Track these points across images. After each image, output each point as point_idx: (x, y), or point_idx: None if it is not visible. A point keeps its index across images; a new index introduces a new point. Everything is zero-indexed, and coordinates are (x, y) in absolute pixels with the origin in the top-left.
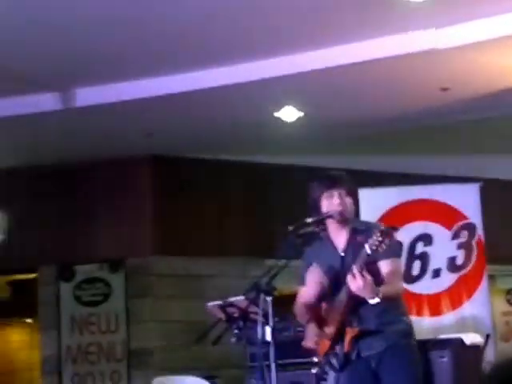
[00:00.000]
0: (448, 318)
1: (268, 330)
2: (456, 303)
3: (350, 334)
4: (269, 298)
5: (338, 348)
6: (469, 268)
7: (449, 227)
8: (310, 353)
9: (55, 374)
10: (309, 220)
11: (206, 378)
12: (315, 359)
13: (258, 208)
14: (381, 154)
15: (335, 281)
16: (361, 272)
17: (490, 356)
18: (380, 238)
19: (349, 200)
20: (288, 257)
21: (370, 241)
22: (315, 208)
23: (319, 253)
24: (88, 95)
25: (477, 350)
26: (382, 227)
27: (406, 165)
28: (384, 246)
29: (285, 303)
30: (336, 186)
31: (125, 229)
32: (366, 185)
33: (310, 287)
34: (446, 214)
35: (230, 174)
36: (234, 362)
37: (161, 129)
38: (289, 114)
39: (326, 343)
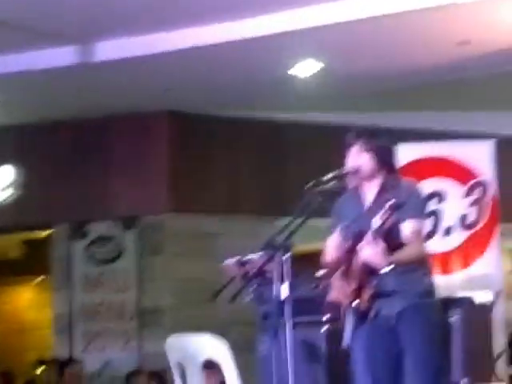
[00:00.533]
0: (458, 276)
1: (284, 287)
2: (467, 261)
3: (367, 292)
4: (286, 255)
5: (355, 304)
6: (480, 226)
7: (462, 184)
8: (323, 312)
9: (66, 332)
10: (326, 177)
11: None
12: (325, 318)
13: (271, 166)
14: (396, 111)
15: (360, 237)
16: (374, 239)
17: (499, 314)
18: (389, 212)
19: (366, 155)
20: (306, 215)
21: (380, 213)
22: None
23: (345, 208)
24: (106, 49)
25: (486, 308)
26: (392, 201)
27: (422, 121)
28: (390, 221)
29: (301, 261)
30: (353, 142)
31: (138, 187)
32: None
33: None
34: (459, 171)
35: (244, 131)
36: (245, 321)
37: (178, 84)
38: (307, 67)
39: (346, 299)
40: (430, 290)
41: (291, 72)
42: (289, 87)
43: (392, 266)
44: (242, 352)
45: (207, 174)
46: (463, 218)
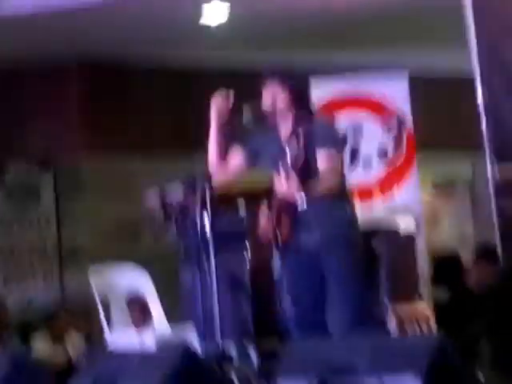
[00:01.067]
0: (379, 206)
1: (206, 220)
2: (386, 190)
3: (286, 225)
4: (208, 188)
5: (277, 238)
6: (399, 158)
7: (379, 118)
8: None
9: None
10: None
11: None
12: (248, 247)
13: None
14: (309, 49)
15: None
16: (287, 173)
17: (421, 242)
18: (297, 143)
19: (281, 94)
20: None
21: (291, 146)
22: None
23: (263, 145)
24: (15, 1)
25: (410, 237)
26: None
27: (336, 57)
28: (301, 153)
29: (223, 196)
30: (267, 82)
31: (53, 128)
32: None
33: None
34: (375, 106)
35: (155, 80)
36: (168, 255)
37: (86, 34)
38: (216, 12)
39: (270, 229)
40: (351, 220)
41: (201, 20)
42: (199, 34)
43: (306, 198)
44: (167, 285)
45: (121, 113)
46: (382, 150)
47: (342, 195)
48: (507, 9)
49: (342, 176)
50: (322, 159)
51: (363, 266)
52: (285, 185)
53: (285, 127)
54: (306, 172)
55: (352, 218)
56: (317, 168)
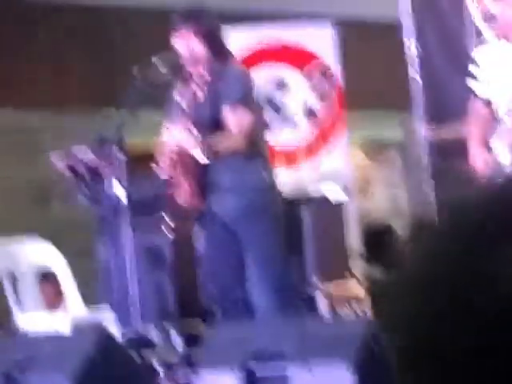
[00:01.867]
0: (305, 170)
1: (118, 186)
2: (313, 154)
3: (189, 186)
4: (119, 150)
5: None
6: (326, 116)
7: (303, 71)
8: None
9: None
10: (154, 63)
11: None
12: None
13: (96, 54)
14: None
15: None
16: (184, 123)
17: (351, 212)
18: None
19: (195, 39)
20: (135, 106)
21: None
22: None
23: (178, 97)
24: None
25: (338, 205)
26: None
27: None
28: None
29: (137, 158)
30: (181, 25)
31: None
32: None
33: None
34: (299, 57)
35: (65, 17)
36: (79, 226)
37: None
38: None
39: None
40: (269, 185)
41: None
42: None
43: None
44: (80, 259)
45: (28, 63)
46: (307, 107)
47: (255, 156)
48: None
49: (254, 135)
50: (227, 114)
51: (286, 239)
52: (178, 136)
53: (199, 77)
54: (208, 126)
55: (270, 183)
56: (220, 121)
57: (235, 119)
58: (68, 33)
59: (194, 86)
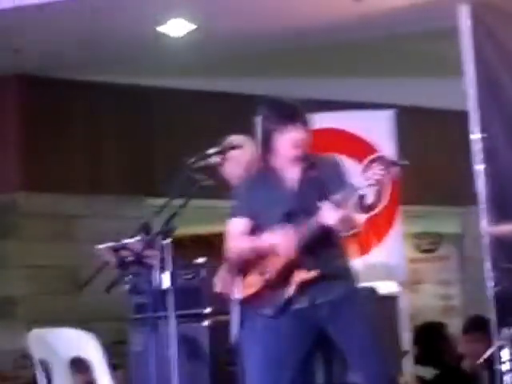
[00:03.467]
0: (357, 263)
1: (165, 276)
2: (366, 247)
3: (301, 276)
4: (167, 241)
5: (278, 293)
6: (380, 208)
7: (359, 160)
8: (206, 304)
9: None
10: (211, 151)
11: None
12: (208, 310)
13: (136, 139)
14: (283, 77)
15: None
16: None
17: (403, 306)
18: (382, 167)
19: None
20: (185, 195)
21: (369, 172)
22: (265, 143)
23: (257, 189)
24: None
25: (390, 300)
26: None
27: (313, 89)
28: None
29: (182, 247)
30: (294, 120)
31: None
32: None
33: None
34: (356, 145)
35: (105, 98)
36: (112, 314)
37: (30, 44)
38: (177, 27)
39: (258, 289)
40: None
41: (159, 30)
42: (156, 48)
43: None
44: (108, 349)
45: (64, 147)
46: (360, 198)
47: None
48: (507, 40)
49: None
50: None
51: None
52: (338, 214)
53: (289, 169)
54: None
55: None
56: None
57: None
58: (104, 115)
59: (290, 179)
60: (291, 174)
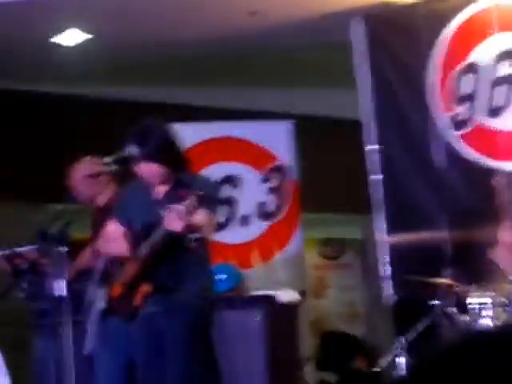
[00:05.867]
0: (259, 270)
1: (61, 283)
2: (266, 255)
3: (144, 288)
4: (63, 249)
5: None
6: (281, 216)
7: (258, 169)
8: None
9: None
10: (107, 159)
11: None
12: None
13: (37, 144)
14: (181, 86)
15: (144, 231)
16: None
17: (305, 314)
18: (195, 204)
19: (153, 165)
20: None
21: (186, 203)
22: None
23: (131, 197)
24: None
25: (291, 308)
26: (201, 192)
27: (211, 98)
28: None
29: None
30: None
31: None
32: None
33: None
34: (255, 155)
35: (4, 106)
36: (10, 320)
37: None
38: (72, 37)
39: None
40: (206, 288)
41: (55, 39)
42: (52, 56)
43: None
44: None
45: None
46: (261, 206)
47: (206, 256)
48: (403, 52)
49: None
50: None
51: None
52: (179, 220)
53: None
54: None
55: (209, 285)
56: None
57: (208, 222)
58: (7, 122)
59: (159, 192)
60: (159, 187)
